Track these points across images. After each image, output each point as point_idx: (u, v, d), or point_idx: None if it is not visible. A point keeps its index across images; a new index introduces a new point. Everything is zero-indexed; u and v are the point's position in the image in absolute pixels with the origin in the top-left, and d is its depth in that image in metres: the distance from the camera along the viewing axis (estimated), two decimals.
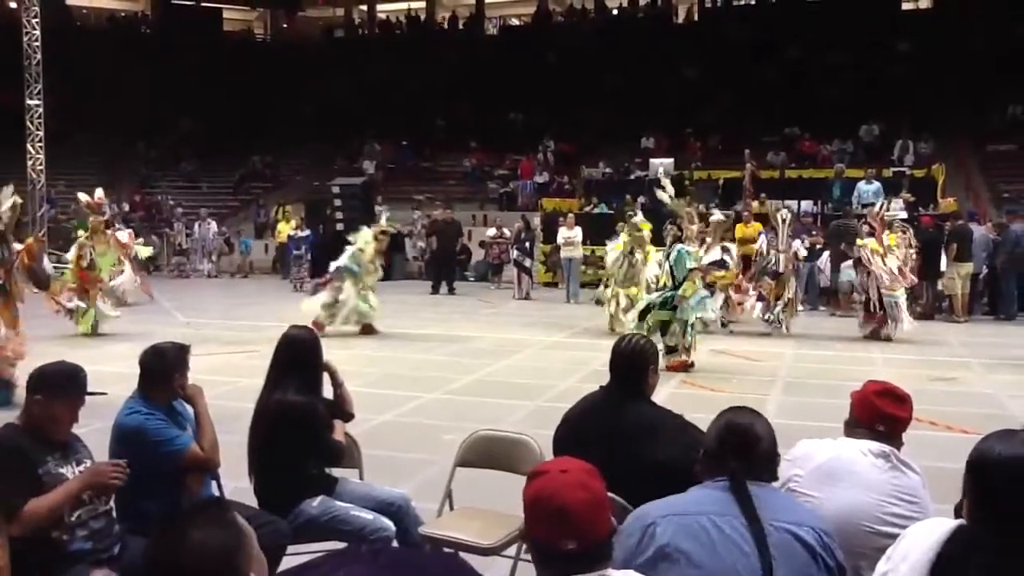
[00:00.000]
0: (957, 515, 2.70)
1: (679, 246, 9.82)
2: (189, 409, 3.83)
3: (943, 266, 14.12)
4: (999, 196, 19.87)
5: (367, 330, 12.16)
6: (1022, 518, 1.92)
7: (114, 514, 3.35)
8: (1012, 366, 10.17)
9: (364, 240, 12.38)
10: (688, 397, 7.97)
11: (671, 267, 9.77)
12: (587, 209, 19.59)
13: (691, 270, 9.61)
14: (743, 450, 2.38)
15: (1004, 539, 1.91)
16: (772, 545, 2.20)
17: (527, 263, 17.56)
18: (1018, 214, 15.36)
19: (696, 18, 30.56)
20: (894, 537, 2.76)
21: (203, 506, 1.83)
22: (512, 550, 3.75)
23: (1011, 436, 2.07)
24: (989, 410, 7.88)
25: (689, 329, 9.58)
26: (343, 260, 12.19)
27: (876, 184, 17.38)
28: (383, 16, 36.06)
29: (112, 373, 8.26)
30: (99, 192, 12.50)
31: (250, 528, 1.72)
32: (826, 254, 15.49)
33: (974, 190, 20.35)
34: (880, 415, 2.97)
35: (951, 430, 7.17)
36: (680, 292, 9.58)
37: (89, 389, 3.36)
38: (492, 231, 19.73)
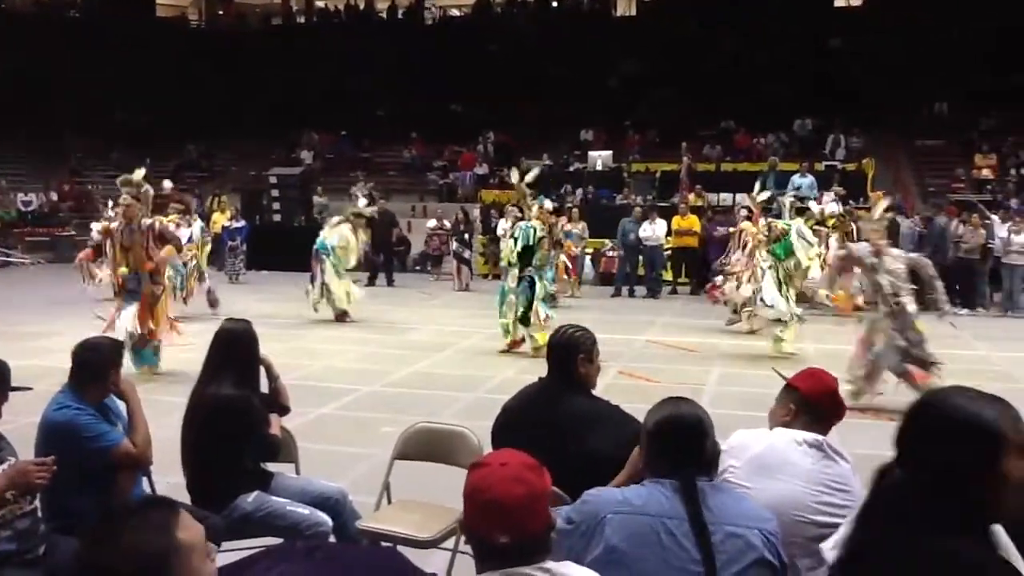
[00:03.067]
0: None
1: (523, 224, 10.21)
2: (120, 404, 3.75)
3: None
4: (926, 190, 20.45)
5: (341, 317, 12.52)
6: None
7: (40, 513, 3.26)
8: (938, 354, 10.46)
9: (341, 237, 12.56)
10: (624, 387, 8.04)
11: (518, 242, 10.08)
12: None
13: (540, 239, 10.12)
14: (695, 447, 2.37)
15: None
16: (722, 551, 2.22)
17: (466, 255, 17.54)
18: (943, 207, 15.84)
19: (634, 12, 30.78)
20: (826, 526, 2.82)
21: (145, 506, 1.76)
22: (450, 543, 3.75)
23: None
24: (915, 398, 8.09)
25: (541, 304, 10.09)
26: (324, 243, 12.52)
27: (810, 177, 17.74)
28: (321, 4, 35.56)
29: (39, 367, 8.06)
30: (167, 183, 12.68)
31: (200, 536, 1.67)
32: None
33: (902, 184, 20.89)
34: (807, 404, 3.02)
35: (879, 417, 7.36)
36: (537, 261, 10.13)
37: (13, 384, 3.26)
38: (432, 222, 19.65)
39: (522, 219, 10.51)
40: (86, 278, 8.79)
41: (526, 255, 10.08)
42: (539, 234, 10.14)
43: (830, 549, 2.24)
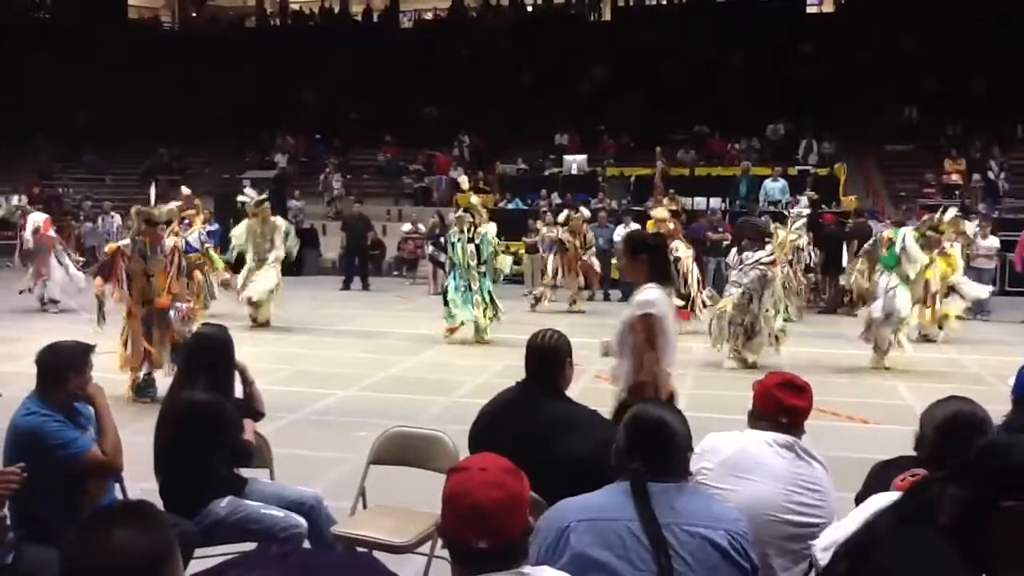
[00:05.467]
0: (858, 504, 2.81)
1: (482, 230, 11.35)
2: (90, 409, 3.70)
3: (844, 261, 14.61)
4: (896, 194, 20.67)
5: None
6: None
7: (8, 521, 3.21)
8: (909, 357, 10.59)
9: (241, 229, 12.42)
10: (600, 392, 8.02)
11: (480, 248, 11.27)
12: (501, 205, 19.65)
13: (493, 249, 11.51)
14: (653, 446, 2.37)
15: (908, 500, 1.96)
16: (684, 551, 2.22)
17: (442, 258, 17.48)
18: (915, 211, 16.03)
19: (609, 17, 30.92)
20: (799, 525, 2.85)
21: (130, 506, 1.74)
22: (426, 548, 3.74)
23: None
24: (888, 400, 8.20)
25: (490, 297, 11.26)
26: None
27: (782, 182, 17.91)
28: (296, 7, 35.44)
29: (11, 373, 7.95)
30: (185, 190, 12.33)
31: (174, 534, 1.66)
32: (734, 250, 15.86)
33: (873, 188, 21.11)
34: (782, 407, 3.05)
35: (852, 420, 7.44)
36: (498, 265, 11.58)
37: None
38: (407, 226, 19.61)
39: (476, 225, 11.35)
40: (99, 319, 8.20)
41: (486, 260, 11.30)
42: (493, 242, 11.50)
43: (822, 550, 2.25)
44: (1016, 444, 1.91)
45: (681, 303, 12.09)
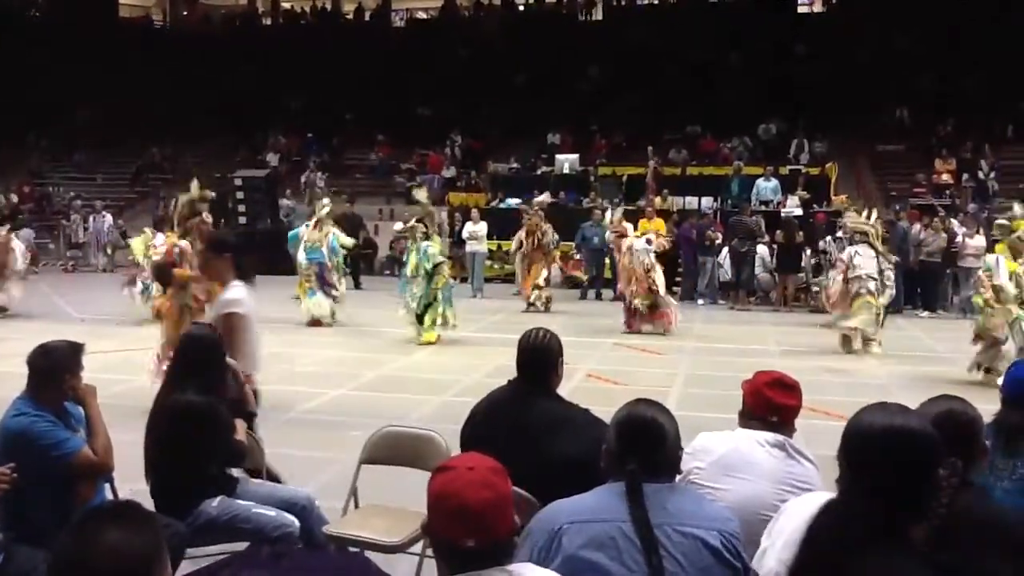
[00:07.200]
0: None
1: (424, 244, 11.15)
2: (80, 410, 3.68)
3: None
4: (887, 194, 20.72)
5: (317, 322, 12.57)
6: (889, 486, 1.96)
7: None
8: (900, 356, 10.64)
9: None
10: (592, 391, 8.06)
11: (422, 262, 11.03)
12: (493, 204, 19.65)
13: (437, 265, 11.05)
14: (646, 447, 2.36)
15: (872, 510, 1.95)
16: (677, 552, 2.22)
17: None
18: (905, 212, 16.10)
19: (601, 17, 30.93)
20: None
21: (121, 507, 1.74)
22: (418, 547, 3.74)
23: (883, 408, 2.14)
24: (879, 399, 8.20)
25: (445, 308, 11.06)
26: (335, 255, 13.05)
27: (774, 181, 17.93)
28: (288, 6, 35.36)
29: (1, 373, 7.93)
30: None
31: (164, 535, 1.66)
32: (726, 249, 15.92)
33: (864, 188, 21.16)
34: (772, 406, 3.05)
35: (843, 419, 7.44)
36: (433, 284, 10.96)
37: None
38: (399, 225, 19.54)
39: (427, 236, 11.29)
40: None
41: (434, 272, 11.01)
42: (439, 259, 11.20)
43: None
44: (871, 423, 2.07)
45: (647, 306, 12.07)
